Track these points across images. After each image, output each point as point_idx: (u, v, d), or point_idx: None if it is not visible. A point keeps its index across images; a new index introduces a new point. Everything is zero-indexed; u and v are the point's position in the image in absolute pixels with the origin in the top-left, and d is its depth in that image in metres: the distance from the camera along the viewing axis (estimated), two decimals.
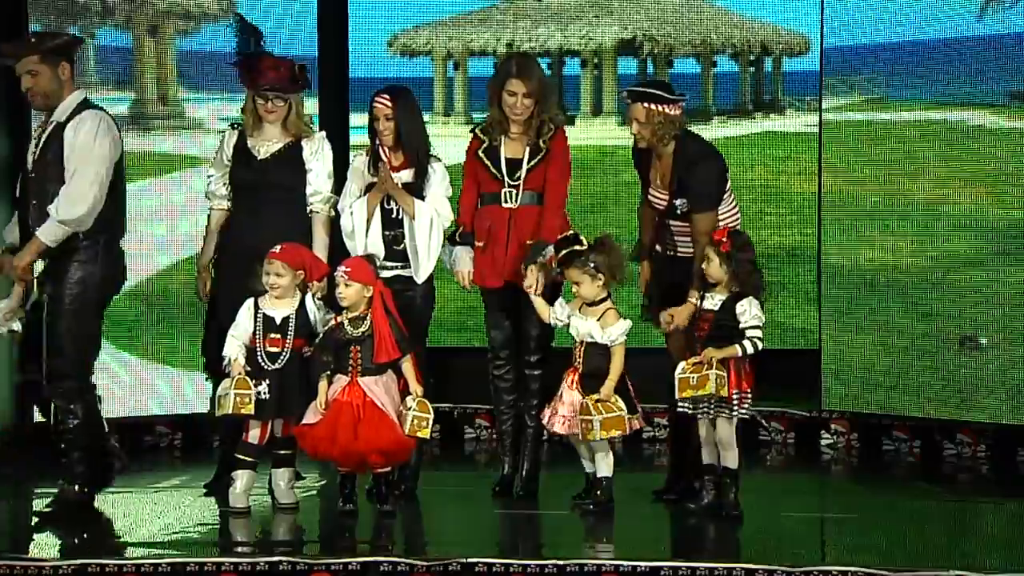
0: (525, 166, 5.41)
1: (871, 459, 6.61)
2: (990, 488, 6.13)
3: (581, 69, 7.52)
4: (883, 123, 6.72)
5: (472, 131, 5.58)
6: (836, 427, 6.79)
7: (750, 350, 5.09)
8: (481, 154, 5.49)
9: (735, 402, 5.11)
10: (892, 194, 6.64)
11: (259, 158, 5.55)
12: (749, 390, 5.14)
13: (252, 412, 5.22)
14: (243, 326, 5.31)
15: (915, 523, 5.38)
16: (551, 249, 5.30)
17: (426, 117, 7.44)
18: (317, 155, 5.54)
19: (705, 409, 5.14)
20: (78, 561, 4.60)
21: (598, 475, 5.26)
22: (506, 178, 5.44)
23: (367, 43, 7.40)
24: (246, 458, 5.32)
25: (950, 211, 6.51)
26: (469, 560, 4.56)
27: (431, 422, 5.20)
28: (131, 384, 6.70)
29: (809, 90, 7.17)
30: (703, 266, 5.18)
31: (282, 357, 5.29)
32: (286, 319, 5.31)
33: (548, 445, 5.95)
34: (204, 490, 5.67)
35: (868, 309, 6.69)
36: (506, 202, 5.44)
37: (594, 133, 7.47)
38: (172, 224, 6.81)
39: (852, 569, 4.47)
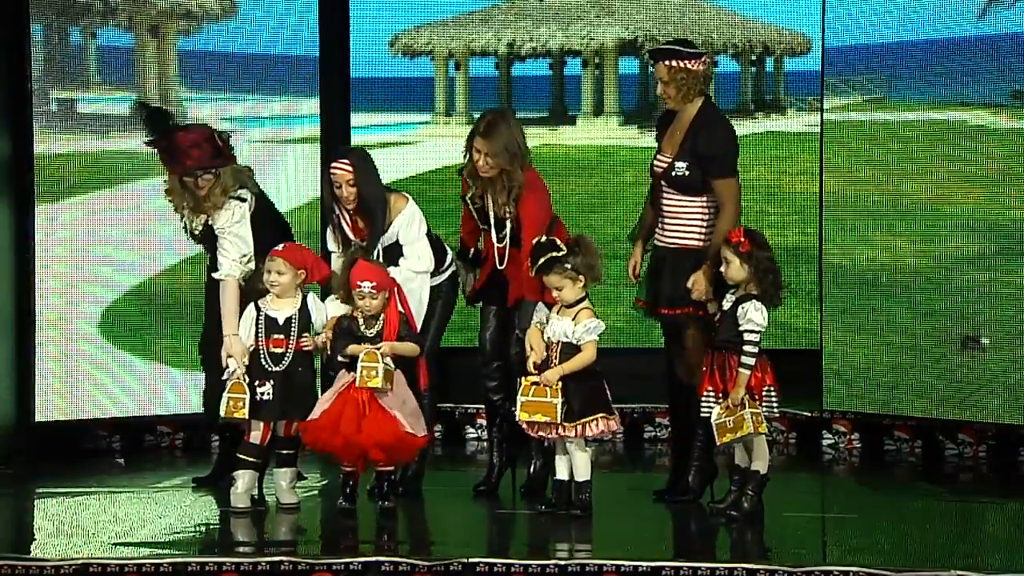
0: (507, 235, 5.44)
1: (872, 459, 6.61)
2: (991, 488, 6.12)
3: (582, 69, 7.52)
4: (884, 123, 6.71)
5: (459, 173, 5.59)
6: (837, 427, 6.79)
7: (751, 361, 5.06)
8: (468, 201, 5.54)
9: (769, 400, 5.11)
10: (893, 194, 6.64)
11: (196, 233, 5.63)
12: (772, 385, 5.13)
13: (245, 416, 5.23)
14: (244, 332, 5.32)
15: (917, 523, 5.38)
16: (542, 307, 5.30)
17: (427, 117, 7.54)
18: (219, 228, 5.49)
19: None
20: (80, 561, 4.60)
21: (577, 479, 5.19)
22: (494, 237, 5.49)
23: (368, 43, 7.40)
24: (247, 458, 5.32)
25: (951, 211, 6.50)
26: (470, 560, 4.56)
27: (381, 371, 5.14)
28: (133, 384, 6.70)
29: (810, 90, 7.17)
30: (721, 269, 5.15)
31: (286, 358, 5.29)
32: (288, 319, 5.31)
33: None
34: (192, 484, 5.67)
35: (869, 309, 6.69)
36: (500, 263, 5.49)
37: (595, 133, 7.47)
38: (176, 224, 6.81)
39: (854, 569, 4.47)
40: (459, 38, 7.48)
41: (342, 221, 5.49)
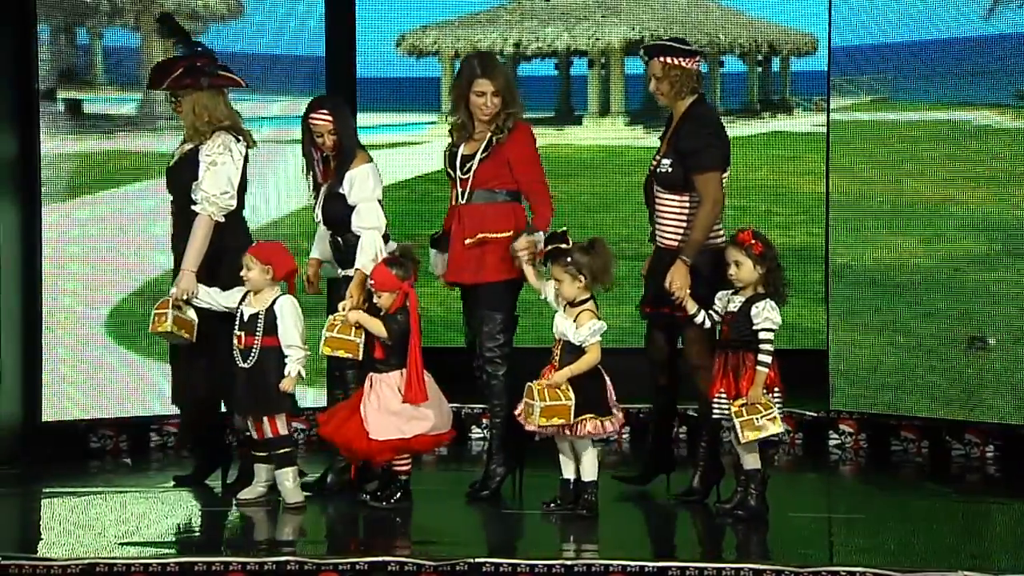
0: (477, 160, 5.39)
1: (879, 459, 6.60)
2: (998, 488, 6.11)
3: (588, 69, 7.52)
4: (891, 123, 6.71)
5: (449, 132, 5.60)
6: (844, 427, 6.78)
7: (768, 360, 5.06)
8: (444, 154, 5.53)
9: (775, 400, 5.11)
10: (899, 194, 6.63)
11: (169, 165, 5.65)
12: (778, 388, 5.14)
13: (168, 329, 5.37)
14: (228, 303, 5.36)
15: (923, 523, 5.37)
16: (540, 235, 5.30)
17: (433, 118, 7.54)
18: (204, 154, 5.51)
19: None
20: (86, 560, 4.61)
21: (583, 479, 5.19)
22: (458, 175, 5.45)
23: (375, 43, 7.40)
24: (261, 453, 5.35)
25: (957, 211, 6.49)
26: (476, 560, 4.56)
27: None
28: (137, 383, 6.71)
29: (817, 90, 7.16)
30: (731, 272, 5.14)
31: (252, 355, 5.29)
32: (254, 316, 5.32)
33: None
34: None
35: (876, 309, 6.68)
36: (456, 200, 5.46)
37: (602, 133, 7.47)
38: None
39: (860, 570, 4.47)
40: (465, 38, 7.49)
41: (315, 165, 5.55)
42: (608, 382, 5.19)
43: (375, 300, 5.27)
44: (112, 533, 5.19)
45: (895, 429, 6.66)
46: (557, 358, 5.16)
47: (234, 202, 5.55)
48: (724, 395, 5.13)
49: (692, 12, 7.37)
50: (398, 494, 5.33)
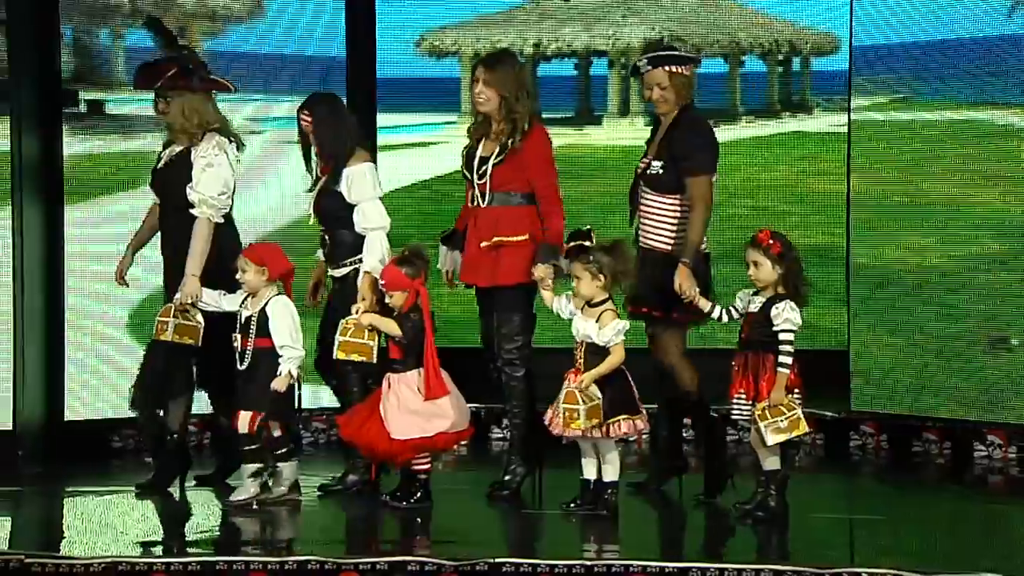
0: (491, 163, 5.40)
1: (900, 461, 6.57)
2: (1021, 490, 6.08)
3: (608, 69, 7.51)
4: (912, 123, 6.68)
5: (468, 131, 5.62)
6: (865, 428, 6.76)
7: (789, 361, 5.05)
8: (462, 154, 5.54)
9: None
10: (920, 194, 6.60)
11: (158, 167, 5.67)
12: (797, 389, 5.12)
13: (169, 338, 5.41)
14: (231, 299, 5.38)
15: (945, 525, 5.35)
16: (562, 260, 5.29)
17: (453, 118, 7.55)
18: (199, 156, 5.54)
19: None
20: (109, 559, 4.63)
21: (604, 479, 5.19)
22: (474, 178, 5.45)
23: (395, 44, 7.42)
24: (277, 451, 5.39)
25: (979, 211, 6.46)
26: (496, 560, 4.57)
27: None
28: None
29: (837, 89, 7.14)
30: (750, 273, 5.15)
31: (246, 356, 5.31)
32: (249, 319, 5.34)
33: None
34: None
35: (896, 309, 6.65)
36: (472, 202, 5.47)
37: (622, 133, 7.46)
38: None
39: (882, 571, 4.45)
40: (485, 38, 7.49)
41: (311, 160, 5.59)
42: (631, 381, 5.20)
43: (387, 300, 5.28)
44: (134, 532, 5.21)
45: (916, 430, 6.63)
46: (581, 361, 5.15)
47: (231, 202, 5.57)
48: (743, 396, 5.12)
49: (712, 12, 7.35)
50: (418, 494, 5.33)
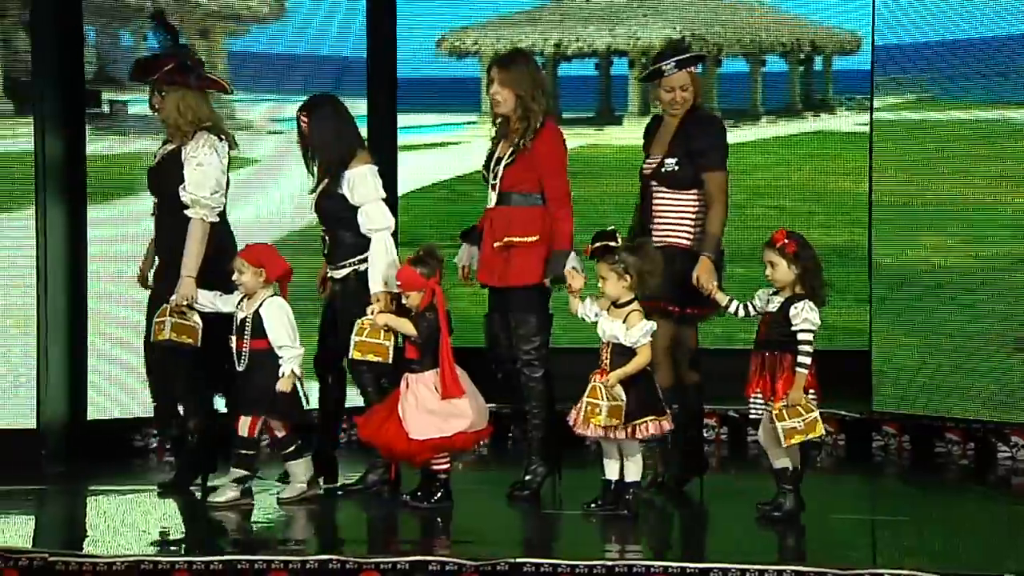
0: (503, 163, 5.41)
1: (923, 461, 6.54)
2: None
3: (629, 69, 7.50)
4: (934, 122, 6.65)
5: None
6: (887, 429, 6.73)
7: (807, 361, 5.03)
8: (486, 156, 5.56)
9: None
10: (943, 194, 6.57)
11: (151, 166, 5.68)
12: (813, 390, 5.10)
13: (166, 337, 5.37)
14: (227, 299, 5.37)
15: (968, 526, 5.32)
16: (573, 257, 5.29)
17: (474, 118, 7.55)
18: (190, 155, 5.52)
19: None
20: (131, 558, 4.64)
21: (626, 479, 5.18)
22: (490, 178, 5.46)
23: (416, 43, 7.43)
24: (284, 451, 5.41)
25: (1002, 211, 6.43)
26: (517, 560, 4.57)
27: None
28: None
29: (860, 89, 7.11)
30: (767, 273, 5.14)
31: (242, 358, 5.31)
32: (244, 320, 5.34)
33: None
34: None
35: (919, 310, 6.62)
36: (489, 202, 5.48)
37: (641, 133, 7.44)
38: None
39: (904, 572, 4.43)
40: (506, 38, 7.49)
41: (310, 160, 5.61)
42: (656, 381, 5.19)
43: (404, 301, 5.29)
44: (156, 531, 5.23)
45: (939, 431, 6.60)
46: (607, 361, 5.14)
47: (224, 200, 5.57)
48: (760, 395, 5.11)
49: (734, 11, 7.34)
50: (439, 494, 5.34)
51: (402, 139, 7.31)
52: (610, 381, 5.07)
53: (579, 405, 5.14)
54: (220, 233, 5.57)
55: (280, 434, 5.40)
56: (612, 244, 5.13)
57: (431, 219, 7.41)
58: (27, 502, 5.67)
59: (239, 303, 5.41)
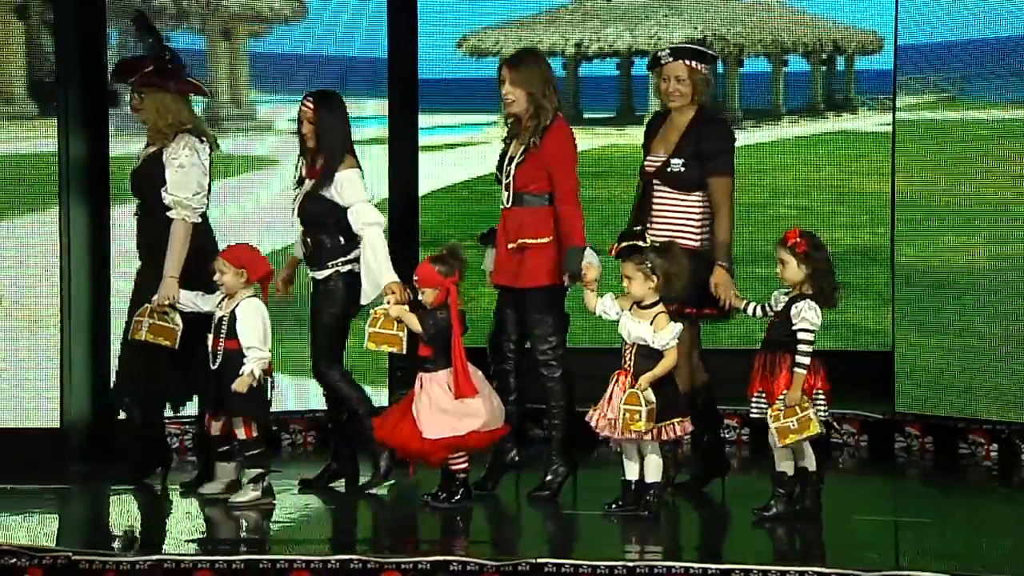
0: (514, 164, 5.40)
1: (946, 463, 6.51)
2: None
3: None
4: (957, 122, 6.62)
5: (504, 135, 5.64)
6: (910, 430, 6.70)
7: (806, 361, 5.01)
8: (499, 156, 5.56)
9: (817, 404, 5.06)
10: (966, 194, 6.54)
11: (133, 168, 5.71)
12: (822, 388, 5.08)
13: (142, 337, 5.39)
14: (208, 300, 5.40)
15: (992, 528, 5.29)
16: (589, 253, 5.26)
17: (494, 118, 7.55)
18: (171, 157, 5.54)
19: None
20: (153, 557, 4.66)
21: (647, 480, 5.17)
22: (503, 178, 5.47)
23: (437, 44, 7.44)
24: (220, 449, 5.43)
25: None
26: (538, 560, 4.56)
27: (390, 337, 5.28)
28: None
29: (882, 89, 7.08)
30: (777, 271, 5.13)
31: (217, 357, 5.32)
32: (220, 319, 5.35)
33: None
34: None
35: (942, 310, 6.59)
36: (503, 202, 5.48)
37: None
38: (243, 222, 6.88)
39: (928, 574, 4.41)
40: (527, 39, 7.49)
41: (302, 159, 5.60)
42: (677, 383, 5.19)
43: (420, 297, 5.29)
44: (179, 530, 5.25)
45: (962, 432, 6.57)
46: (631, 363, 5.12)
47: (206, 201, 5.59)
48: (763, 395, 5.10)
49: (755, 11, 7.32)
50: (459, 494, 5.34)
51: (423, 140, 7.32)
52: (642, 385, 5.06)
53: (601, 408, 5.13)
54: (200, 234, 5.59)
55: (241, 436, 5.36)
56: (640, 244, 5.12)
57: (451, 219, 7.42)
58: (51, 501, 5.70)
59: (219, 303, 5.42)
